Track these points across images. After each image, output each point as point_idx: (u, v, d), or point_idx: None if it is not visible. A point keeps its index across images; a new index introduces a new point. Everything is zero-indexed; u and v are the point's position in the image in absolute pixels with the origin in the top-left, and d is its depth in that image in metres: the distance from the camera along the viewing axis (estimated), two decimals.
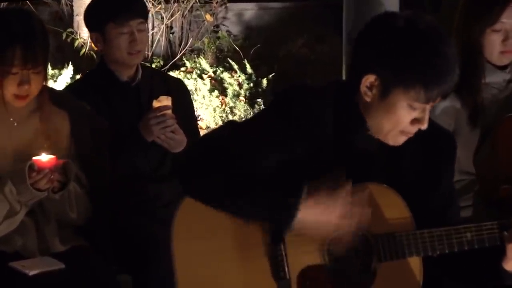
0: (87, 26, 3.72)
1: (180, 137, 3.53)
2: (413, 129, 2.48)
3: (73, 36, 7.41)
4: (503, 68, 3.35)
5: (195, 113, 4.16)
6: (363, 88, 2.46)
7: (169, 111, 3.50)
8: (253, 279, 2.46)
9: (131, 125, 3.53)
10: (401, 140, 2.51)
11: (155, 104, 3.50)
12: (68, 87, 3.97)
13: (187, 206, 2.50)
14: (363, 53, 2.48)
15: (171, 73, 7.25)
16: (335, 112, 2.51)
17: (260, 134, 2.48)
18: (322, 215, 2.41)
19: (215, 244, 2.47)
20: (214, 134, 2.63)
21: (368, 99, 2.48)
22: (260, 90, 7.38)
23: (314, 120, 2.49)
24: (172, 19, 7.95)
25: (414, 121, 2.46)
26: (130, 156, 3.55)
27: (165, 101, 3.50)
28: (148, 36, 4.24)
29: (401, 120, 2.45)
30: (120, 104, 3.63)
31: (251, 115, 6.36)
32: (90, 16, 3.68)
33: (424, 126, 2.47)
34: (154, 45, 7.86)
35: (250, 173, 2.44)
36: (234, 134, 2.51)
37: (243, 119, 6.84)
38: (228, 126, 2.65)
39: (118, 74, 3.65)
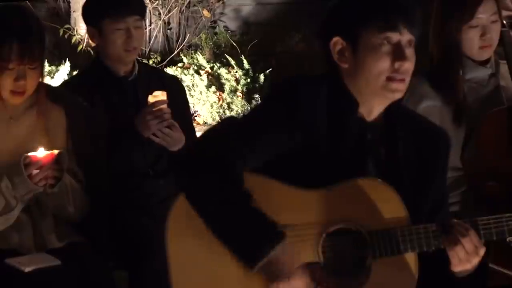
0: (84, 20, 3.74)
1: (178, 134, 3.53)
2: (399, 69, 2.47)
3: (70, 32, 7.40)
4: (484, 63, 3.34)
5: (193, 109, 4.17)
6: (335, 56, 2.51)
7: (165, 106, 3.50)
8: (248, 275, 2.45)
9: (128, 120, 3.53)
10: (396, 87, 2.49)
11: (151, 99, 3.50)
12: (64, 83, 3.97)
13: (182, 202, 2.49)
14: (323, 27, 2.57)
15: (168, 69, 7.24)
16: (329, 97, 2.53)
17: (263, 122, 2.49)
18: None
19: (210, 240, 2.46)
20: (214, 130, 2.63)
21: (346, 65, 2.51)
22: (257, 85, 7.36)
23: (315, 107, 2.50)
24: (169, 15, 7.94)
25: (394, 60, 2.47)
26: (127, 152, 3.55)
27: (160, 95, 3.50)
28: (145, 34, 4.22)
29: (381, 64, 2.46)
30: (117, 99, 3.63)
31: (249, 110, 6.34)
32: (87, 11, 3.70)
33: (406, 62, 2.47)
34: (151, 41, 7.85)
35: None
36: (235, 128, 2.50)
37: (240, 115, 6.84)
38: (228, 122, 2.65)
39: (114, 70, 3.65)
